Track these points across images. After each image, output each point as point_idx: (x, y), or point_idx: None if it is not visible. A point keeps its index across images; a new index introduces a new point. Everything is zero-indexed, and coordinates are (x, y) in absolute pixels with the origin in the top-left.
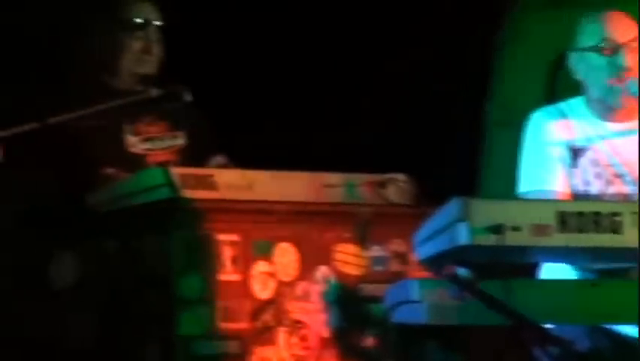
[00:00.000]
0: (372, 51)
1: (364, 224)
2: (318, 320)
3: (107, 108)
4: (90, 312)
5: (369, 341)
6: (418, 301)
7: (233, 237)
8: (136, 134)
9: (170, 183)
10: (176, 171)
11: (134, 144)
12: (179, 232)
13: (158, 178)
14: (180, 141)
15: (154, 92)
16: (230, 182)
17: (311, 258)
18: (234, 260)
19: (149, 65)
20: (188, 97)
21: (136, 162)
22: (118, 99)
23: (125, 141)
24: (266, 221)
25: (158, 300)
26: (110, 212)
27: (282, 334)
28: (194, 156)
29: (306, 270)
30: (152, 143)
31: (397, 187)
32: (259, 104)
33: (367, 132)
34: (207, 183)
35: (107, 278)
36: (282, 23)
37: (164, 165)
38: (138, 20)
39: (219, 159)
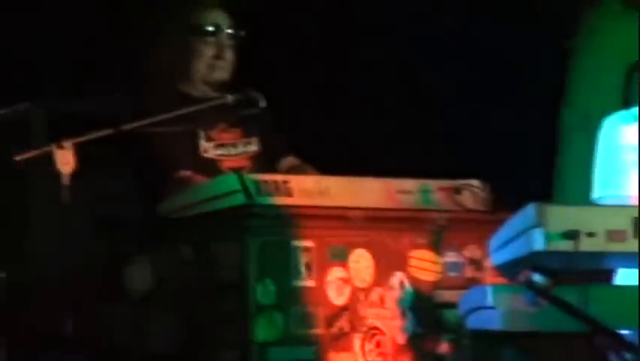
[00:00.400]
0: (448, 57)
1: (439, 230)
2: (393, 326)
3: (183, 114)
4: (166, 318)
5: (443, 347)
6: (492, 307)
7: (309, 243)
8: (209, 140)
9: (245, 190)
10: (252, 177)
11: (208, 149)
12: (254, 238)
13: (233, 184)
14: (254, 147)
15: (230, 98)
16: (306, 188)
17: (386, 264)
18: (310, 266)
19: (222, 71)
20: (263, 103)
21: (210, 168)
22: (192, 105)
23: (199, 146)
24: (341, 227)
25: (234, 306)
26: (186, 218)
27: (357, 340)
28: (267, 162)
29: (381, 276)
30: (225, 149)
31: (472, 193)
32: (330, 109)
33: (442, 138)
34: (283, 190)
35: (182, 284)
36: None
37: (237, 170)
38: (210, 27)
39: (291, 159)
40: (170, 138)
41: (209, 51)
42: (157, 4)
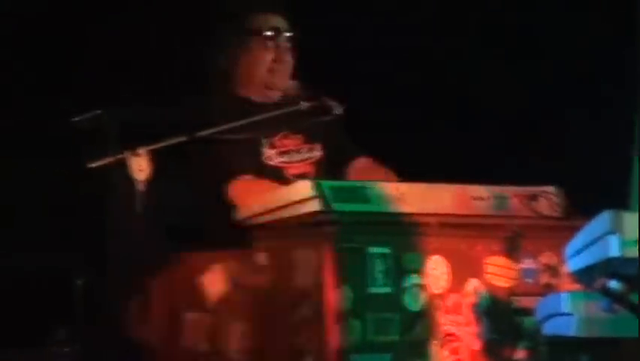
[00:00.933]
0: (523, 62)
1: (515, 237)
2: (469, 333)
3: (256, 121)
4: (243, 324)
5: (520, 354)
6: (568, 313)
7: (385, 249)
8: (272, 147)
9: (322, 196)
10: (328, 184)
11: (271, 157)
12: (331, 245)
13: (309, 191)
14: (317, 153)
15: (304, 105)
16: (382, 194)
17: (462, 270)
18: (386, 273)
19: (281, 76)
20: (338, 110)
21: (274, 176)
22: (254, 111)
23: (262, 154)
24: (417, 233)
25: (311, 313)
26: (260, 225)
27: (433, 347)
28: (331, 167)
29: (456, 282)
30: (288, 156)
31: (548, 200)
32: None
33: (517, 145)
34: (359, 196)
35: (257, 291)
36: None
37: (301, 177)
38: (269, 31)
39: (363, 160)
40: (236, 146)
41: (268, 55)
42: (218, 10)
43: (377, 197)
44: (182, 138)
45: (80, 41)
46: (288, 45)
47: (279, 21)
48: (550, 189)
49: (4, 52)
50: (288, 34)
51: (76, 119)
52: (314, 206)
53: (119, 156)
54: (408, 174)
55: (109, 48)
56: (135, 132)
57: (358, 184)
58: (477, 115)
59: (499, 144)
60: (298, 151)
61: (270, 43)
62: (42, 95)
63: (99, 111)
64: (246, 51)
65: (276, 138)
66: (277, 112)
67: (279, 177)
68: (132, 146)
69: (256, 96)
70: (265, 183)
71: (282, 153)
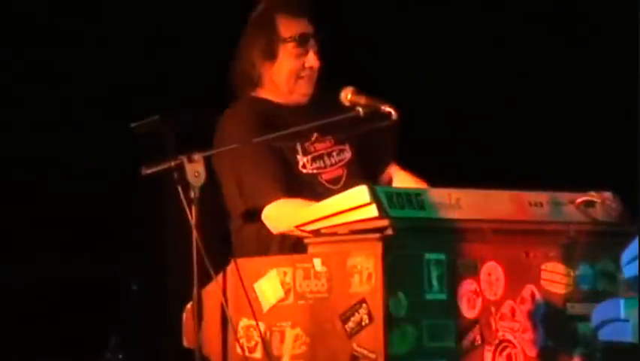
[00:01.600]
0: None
1: (571, 243)
2: (524, 339)
3: (308, 129)
4: (297, 330)
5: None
6: (625, 320)
7: (441, 256)
8: (305, 153)
9: (377, 202)
10: (384, 189)
11: (306, 164)
12: (386, 251)
13: (365, 197)
14: (347, 154)
15: (361, 111)
16: (438, 201)
17: (517, 276)
18: (441, 279)
19: (307, 82)
20: (395, 115)
21: (309, 183)
22: (284, 115)
23: (298, 162)
24: (472, 240)
25: (365, 319)
26: (316, 230)
27: (488, 353)
28: (361, 168)
29: (512, 288)
30: (321, 161)
31: (604, 206)
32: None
33: (574, 150)
34: (415, 202)
35: (312, 297)
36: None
37: (335, 181)
38: (296, 38)
39: (394, 167)
40: (278, 153)
41: (295, 61)
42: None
43: (432, 203)
44: (236, 145)
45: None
46: (316, 51)
47: (306, 27)
48: (607, 194)
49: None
50: (315, 40)
51: (134, 124)
52: (370, 212)
53: (175, 162)
54: (463, 180)
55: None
56: (191, 138)
57: (413, 191)
58: (531, 118)
59: (555, 149)
60: (330, 154)
61: (297, 51)
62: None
63: (156, 117)
64: (273, 57)
65: (308, 143)
66: (335, 118)
67: (313, 184)
68: (188, 152)
69: (282, 101)
70: (297, 207)
71: (315, 159)
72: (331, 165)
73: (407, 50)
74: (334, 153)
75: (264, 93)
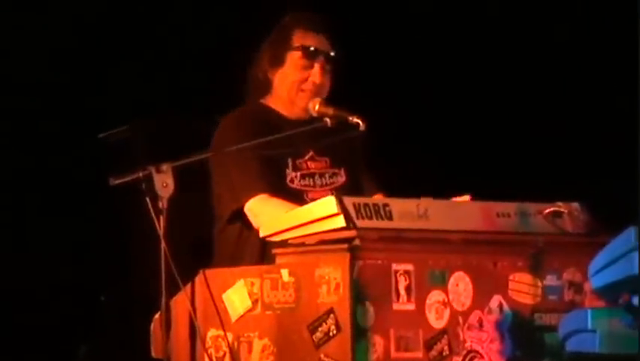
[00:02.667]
0: (547, 77)
1: (539, 253)
2: (492, 350)
3: (282, 138)
4: (265, 341)
5: None
6: (592, 330)
7: (408, 266)
8: (296, 169)
9: (345, 213)
10: (352, 200)
11: (294, 179)
12: (354, 262)
13: (333, 207)
14: (341, 178)
15: (328, 121)
16: (405, 211)
17: (485, 287)
18: (409, 289)
19: (307, 95)
20: (363, 127)
21: (295, 199)
22: (282, 126)
23: (286, 175)
24: (440, 250)
25: (333, 329)
26: (284, 241)
27: None
28: (352, 194)
29: (480, 299)
30: (311, 179)
31: (572, 216)
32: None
33: (541, 161)
34: (382, 213)
35: (280, 307)
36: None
37: None
38: (310, 50)
39: (378, 196)
40: (266, 162)
41: (300, 73)
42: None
43: (400, 214)
44: (208, 154)
45: (105, 57)
46: (326, 67)
47: (320, 43)
48: (575, 205)
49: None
50: (325, 55)
51: (103, 134)
52: (337, 223)
53: (143, 173)
54: (429, 191)
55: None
56: (161, 148)
57: (381, 201)
58: (498, 131)
59: (523, 160)
60: (322, 175)
61: (303, 62)
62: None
63: (126, 127)
64: (280, 63)
65: (303, 160)
66: (302, 128)
67: (299, 200)
68: (156, 162)
69: (285, 112)
70: (279, 205)
71: (304, 176)
72: (321, 185)
73: (374, 59)
74: (327, 175)
75: (272, 102)
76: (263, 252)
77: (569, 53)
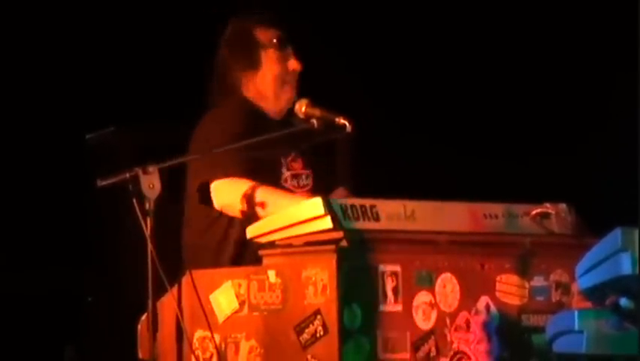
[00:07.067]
0: (534, 79)
1: (526, 254)
2: (479, 351)
3: (268, 139)
4: (252, 342)
5: None
6: (579, 331)
7: (396, 267)
8: (288, 168)
9: (332, 214)
10: (339, 202)
11: (287, 179)
12: (341, 263)
13: (319, 209)
14: (309, 180)
15: (315, 123)
16: (393, 212)
17: (472, 288)
18: (396, 291)
19: (291, 87)
20: (349, 128)
21: None
22: (269, 126)
23: (282, 174)
24: (428, 252)
25: (319, 330)
26: (271, 242)
27: None
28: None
29: (467, 300)
30: (298, 180)
31: (559, 217)
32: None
33: (529, 162)
34: (370, 214)
35: (267, 308)
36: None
37: None
38: (277, 41)
39: (340, 191)
40: (259, 164)
41: (277, 67)
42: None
43: (387, 215)
44: (196, 156)
45: (92, 56)
46: (294, 57)
47: (280, 32)
48: (562, 206)
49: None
50: (292, 45)
51: (90, 135)
52: (324, 224)
53: (130, 174)
54: (418, 191)
55: (124, 64)
56: (148, 149)
57: (369, 203)
58: (487, 131)
59: (511, 161)
60: (307, 177)
61: (278, 55)
62: (56, 110)
63: (112, 128)
64: (256, 65)
65: (289, 159)
66: (290, 130)
67: None
68: (143, 163)
69: (268, 109)
70: (242, 184)
71: (294, 176)
72: (303, 186)
73: (359, 61)
74: (303, 177)
75: (253, 99)
76: (241, 253)
77: (555, 53)
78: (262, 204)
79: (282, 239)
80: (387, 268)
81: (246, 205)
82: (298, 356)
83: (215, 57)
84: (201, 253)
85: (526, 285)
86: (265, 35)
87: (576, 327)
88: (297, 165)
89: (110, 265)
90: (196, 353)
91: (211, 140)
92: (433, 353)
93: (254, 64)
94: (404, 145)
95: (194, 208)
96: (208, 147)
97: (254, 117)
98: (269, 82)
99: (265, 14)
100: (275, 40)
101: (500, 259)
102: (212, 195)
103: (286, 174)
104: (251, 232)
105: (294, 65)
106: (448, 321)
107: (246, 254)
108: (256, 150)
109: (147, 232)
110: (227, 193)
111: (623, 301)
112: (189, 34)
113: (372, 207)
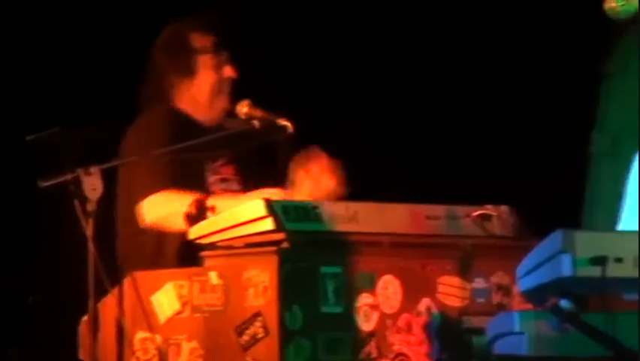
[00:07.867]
0: (475, 81)
1: (467, 256)
2: (420, 353)
3: (207, 141)
4: (193, 343)
5: None
6: (519, 332)
7: (337, 269)
8: (215, 173)
9: (274, 215)
10: (281, 203)
11: (212, 183)
12: (282, 264)
13: (260, 210)
14: (239, 186)
15: (257, 124)
16: (335, 214)
17: (414, 290)
18: (338, 292)
19: (225, 95)
20: (290, 130)
21: None
22: (202, 132)
23: (206, 178)
24: (369, 253)
25: (260, 332)
26: (212, 243)
27: None
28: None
29: (408, 302)
30: (227, 184)
31: (500, 219)
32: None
33: (469, 164)
34: (312, 215)
35: (208, 310)
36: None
37: None
38: (213, 47)
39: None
40: (182, 169)
41: (212, 74)
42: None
43: (329, 216)
44: (135, 158)
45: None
46: (229, 64)
47: (216, 39)
48: (504, 208)
49: None
50: (227, 53)
51: (32, 136)
52: (266, 225)
53: (72, 175)
54: (360, 193)
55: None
56: (92, 151)
57: (310, 203)
58: (429, 132)
59: (452, 163)
60: (238, 182)
61: (213, 62)
62: None
63: (56, 129)
64: (192, 72)
65: (219, 164)
66: (229, 131)
67: None
68: (85, 165)
69: (201, 117)
70: (172, 198)
71: (222, 180)
72: (235, 191)
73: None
74: (234, 182)
75: (184, 106)
76: (182, 254)
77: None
78: (213, 209)
79: (223, 240)
80: (329, 269)
81: (194, 210)
82: (238, 357)
83: (149, 61)
84: (139, 252)
85: (467, 287)
86: (200, 41)
87: (517, 329)
88: (228, 171)
89: (51, 266)
90: (137, 354)
91: (137, 151)
92: (374, 354)
93: (189, 70)
94: (345, 147)
95: (129, 210)
96: (136, 157)
97: (182, 125)
98: (204, 90)
99: (201, 19)
100: (210, 45)
101: (441, 261)
102: (144, 212)
103: (212, 178)
104: (193, 232)
105: (229, 72)
106: (389, 323)
107: (186, 255)
108: (183, 155)
109: (89, 233)
110: (160, 208)
111: (564, 303)
112: (133, 32)
113: (314, 208)
